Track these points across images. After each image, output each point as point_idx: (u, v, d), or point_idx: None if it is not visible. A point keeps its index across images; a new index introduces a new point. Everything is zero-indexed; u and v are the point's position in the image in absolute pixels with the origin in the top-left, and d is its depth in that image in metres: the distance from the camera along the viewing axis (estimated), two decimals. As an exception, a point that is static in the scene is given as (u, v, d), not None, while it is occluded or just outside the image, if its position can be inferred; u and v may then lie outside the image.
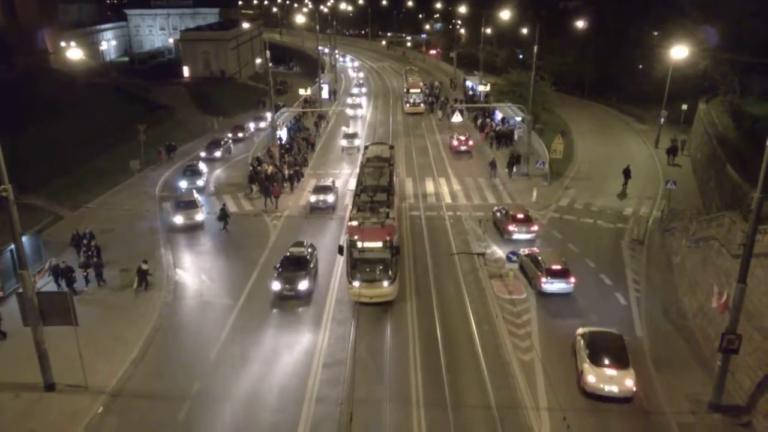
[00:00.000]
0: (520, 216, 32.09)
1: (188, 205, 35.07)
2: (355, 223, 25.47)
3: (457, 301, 26.13)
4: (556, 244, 31.08)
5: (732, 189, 32.11)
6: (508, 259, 27.49)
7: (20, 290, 20.22)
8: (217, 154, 49.57)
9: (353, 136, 51.98)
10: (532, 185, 40.36)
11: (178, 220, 34.34)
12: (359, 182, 32.45)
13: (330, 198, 36.87)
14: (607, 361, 19.52)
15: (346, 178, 43.66)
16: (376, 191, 30.05)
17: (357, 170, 37.15)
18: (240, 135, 56.94)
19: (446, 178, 43.48)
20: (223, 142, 51.51)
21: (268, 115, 60.72)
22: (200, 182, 41.79)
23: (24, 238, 20.84)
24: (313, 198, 36.91)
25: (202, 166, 44.30)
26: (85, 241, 30.04)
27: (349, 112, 64.22)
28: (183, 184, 40.93)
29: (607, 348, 20.03)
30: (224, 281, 28.56)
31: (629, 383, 19.14)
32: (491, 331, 23.70)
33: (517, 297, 26.17)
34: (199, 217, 34.75)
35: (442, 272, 28.87)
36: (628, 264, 29.73)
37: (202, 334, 24.02)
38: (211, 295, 27.21)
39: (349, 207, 32.00)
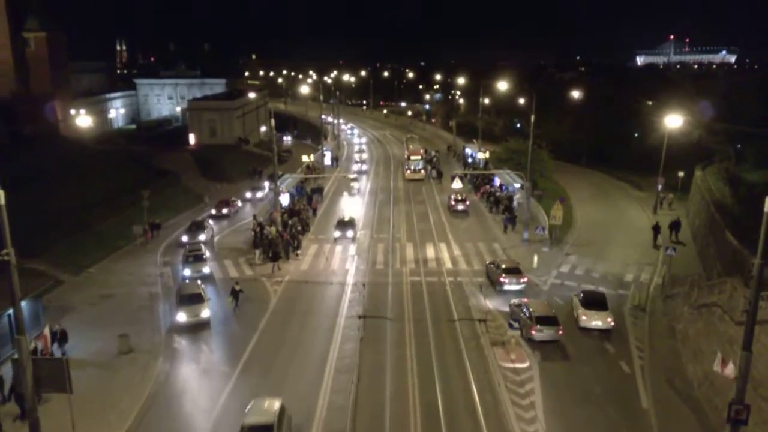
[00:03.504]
0: (511, 268, 34.34)
1: (193, 300, 30.48)
2: None
3: (459, 369, 25.71)
4: (558, 311, 30.80)
5: (732, 255, 32.14)
6: (510, 326, 27.33)
7: (16, 356, 19.94)
8: (202, 237, 43.79)
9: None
10: (532, 251, 40.45)
11: (181, 317, 29.93)
12: None
13: None
14: (593, 306, 29.35)
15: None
16: None
17: None
18: (224, 211, 52.59)
19: (447, 243, 43.62)
20: (206, 224, 46.61)
21: (266, 184, 61.61)
22: (205, 269, 37.07)
23: (23, 303, 20.73)
24: None
25: (206, 250, 39.70)
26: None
27: (336, 233, 44.43)
28: (186, 272, 36.69)
29: (594, 299, 30.06)
30: (223, 347, 28.22)
31: (608, 319, 28.90)
32: (494, 400, 23.22)
33: (520, 365, 25.76)
34: (205, 313, 30.28)
35: (443, 339, 28.52)
36: (631, 331, 29.47)
37: (199, 402, 23.54)
38: (209, 362, 26.83)
39: None
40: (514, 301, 30.71)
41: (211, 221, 48.87)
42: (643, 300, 32.47)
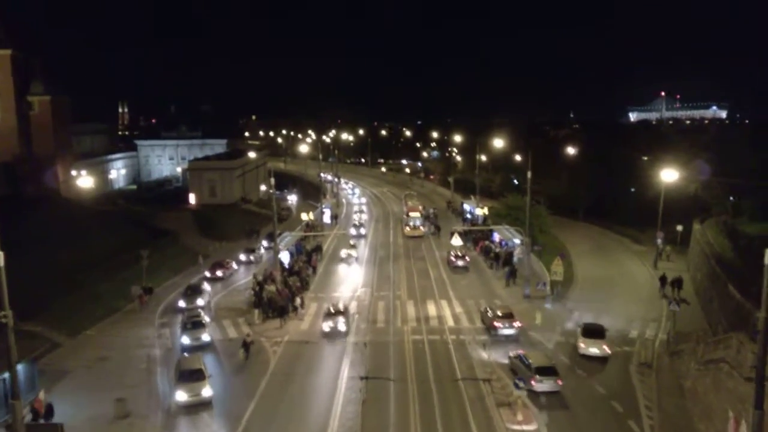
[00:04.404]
0: (504, 313, 36.01)
1: (193, 376, 28.01)
2: None
3: (464, 432, 25.03)
4: (564, 370, 30.26)
5: (736, 308, 31.96)
6: (516, 386, 26.85)
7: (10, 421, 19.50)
8: (200, 302, 42.24)
9: None
10: (534, 308, 40.11)
11: (181, 397, 27.48)
12: None
13: None
14: (591, 335, 32.39)
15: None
16: None
17: None
18: (219, 274, 51.09)
19: (448, 300, 43.30)
20: (203, 288, 44.93)
21: (264, 243, 60.89)
22: (205, 336, 35.29)
23: (18, 367, 20.39)
24: None
25: (204, 316, 38.34)
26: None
27: (325, 327, 36.67)
28: (185, 339, 34.98)
29: (592, 329, 33.10)
30: (221, 412, 27.44)
31: (605, 347, 31.90)
32: (501, 463, 22.53)
33: (528, 428, 25.11)
34: (207, 392, 27.70)
35: (447, 400, 27.91)
36: (639, 389, 28.88)
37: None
38: (207, 428, 26.09)
39: None
40: (512, 353, 31.14)
41: (206, 284, 47.20)
42: (649, 357, 32.05)
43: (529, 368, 28.10)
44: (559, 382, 27.64)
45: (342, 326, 36.42)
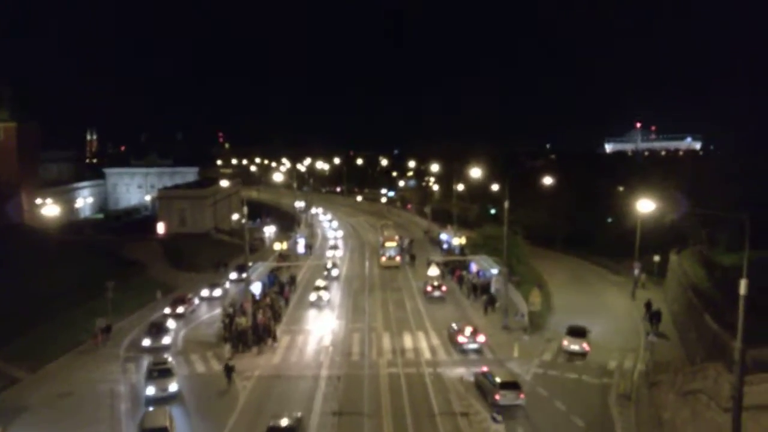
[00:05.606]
0: (469, 329, 38.26)
1: None
2: None
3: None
4: (542, 402, 29.62)
5: (713, 339, 31.81)
6: (493, 419, 26.26)
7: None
8: (166, 341, 40.34)
9: None
10: (512, 339, 39.50)
11: None
12: None
13: None
14: (573, 334, 37.00)
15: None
16: None
17: None
18: (179, 310, 47.98)
19: (424, 332, 42.45)
20: (167, 326, 42.54)
21: (233, 275, 59.17)
22: (173, 387, 31.62)
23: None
24: None
25: (172, 361, 35.05)
26: None
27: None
28: (150, 390, 31.02)
29: (575, 329, 37.60)
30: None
31: (584, 345, 36.40)
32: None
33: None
34: None
35: (423, 436, 26.91)
36: (618, 421, 28.25)
37: None
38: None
39: None
40: (478, 370, 32.44)
41: (171, 321, 44.70)
42: (628, 388, 31.55)
43: (493, 384, 29.32)
44: (522, 396, 28.75)
45: None
